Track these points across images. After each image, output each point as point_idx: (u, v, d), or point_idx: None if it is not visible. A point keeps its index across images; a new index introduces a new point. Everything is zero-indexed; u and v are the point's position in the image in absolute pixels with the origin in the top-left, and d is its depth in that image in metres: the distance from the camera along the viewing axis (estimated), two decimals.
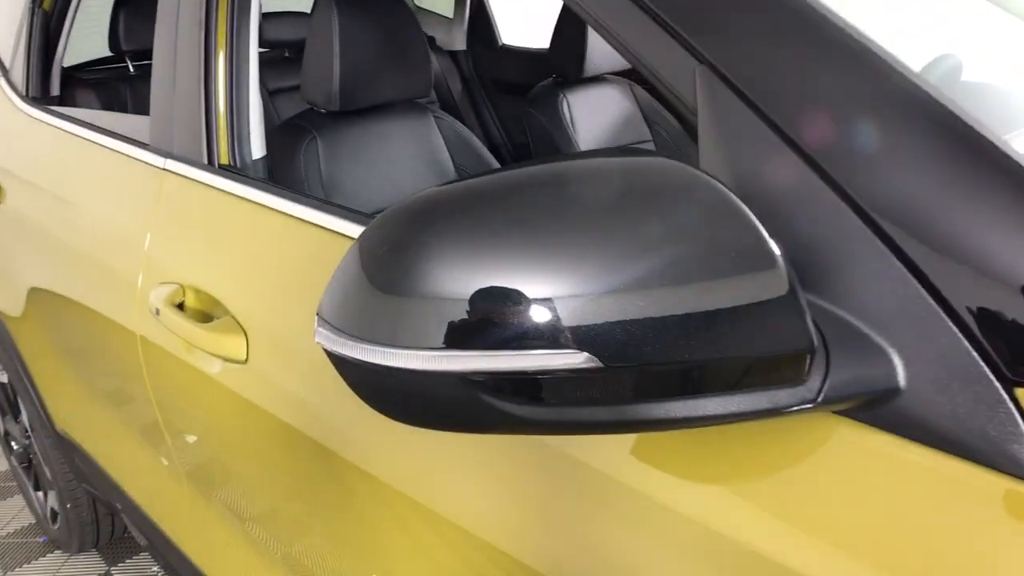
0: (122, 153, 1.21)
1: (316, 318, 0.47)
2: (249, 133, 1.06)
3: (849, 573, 0.45)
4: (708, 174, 0.43)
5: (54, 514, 1.90)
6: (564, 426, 0.45)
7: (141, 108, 1.95)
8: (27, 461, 1.98)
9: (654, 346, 0.40)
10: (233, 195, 0.97)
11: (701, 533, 0.51)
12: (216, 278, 0.97)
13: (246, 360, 0.89)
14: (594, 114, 2.13)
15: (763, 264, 0.41)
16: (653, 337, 0.40)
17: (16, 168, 1.52)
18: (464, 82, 2.68)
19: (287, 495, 0.96)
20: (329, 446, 0.81)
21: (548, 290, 0.40)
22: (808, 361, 0.43)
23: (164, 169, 1.10)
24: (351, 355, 0.45)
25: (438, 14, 2.69)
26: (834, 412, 0.47)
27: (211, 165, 1.04)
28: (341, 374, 0.47)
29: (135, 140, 1.19)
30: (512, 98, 2.61)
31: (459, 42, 2.68)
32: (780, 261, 0.41)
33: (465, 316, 0.41)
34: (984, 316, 0.43)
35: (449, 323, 0.41)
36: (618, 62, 2.10)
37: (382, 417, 0.48)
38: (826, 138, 0.49)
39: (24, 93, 1.63)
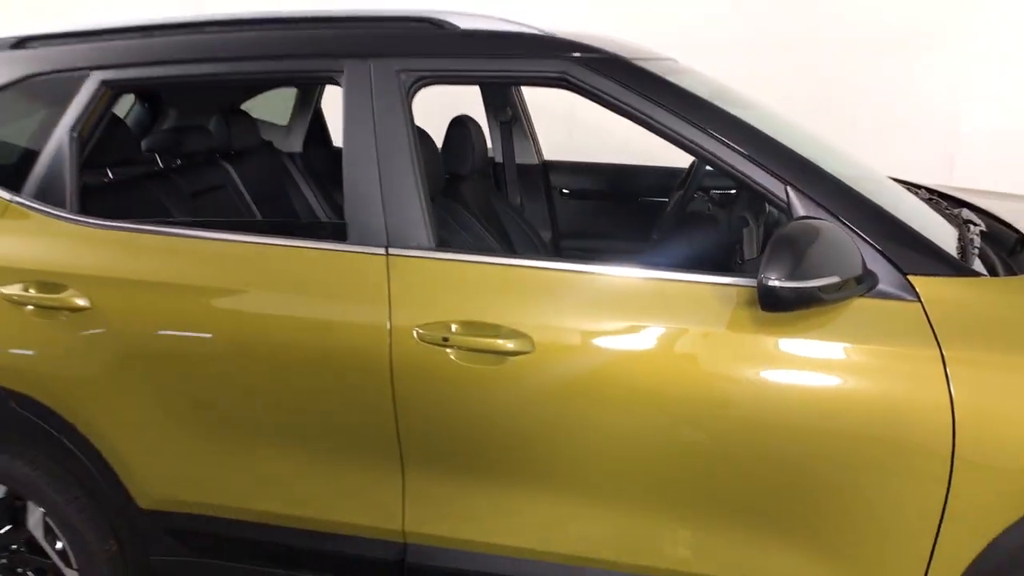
0: (320, 248, 1.63)
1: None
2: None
3: None
4: None
5: None
6: None
7: (178, 203, 2.17)
8: None
9: None
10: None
11: None
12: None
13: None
14: None
15: None
16: None
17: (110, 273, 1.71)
18: (302, 178, 3.14)
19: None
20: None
21: None
22: None
23: (387, 255, 1.59)
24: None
25: (274, 123, 3.12)
26: None
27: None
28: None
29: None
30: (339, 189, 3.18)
31: (296, 145, 3.15)
32: None
33: None
34: None
35: None
36: None
37: None
38: None
39: (73, 209, 1.77)
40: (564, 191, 3.18)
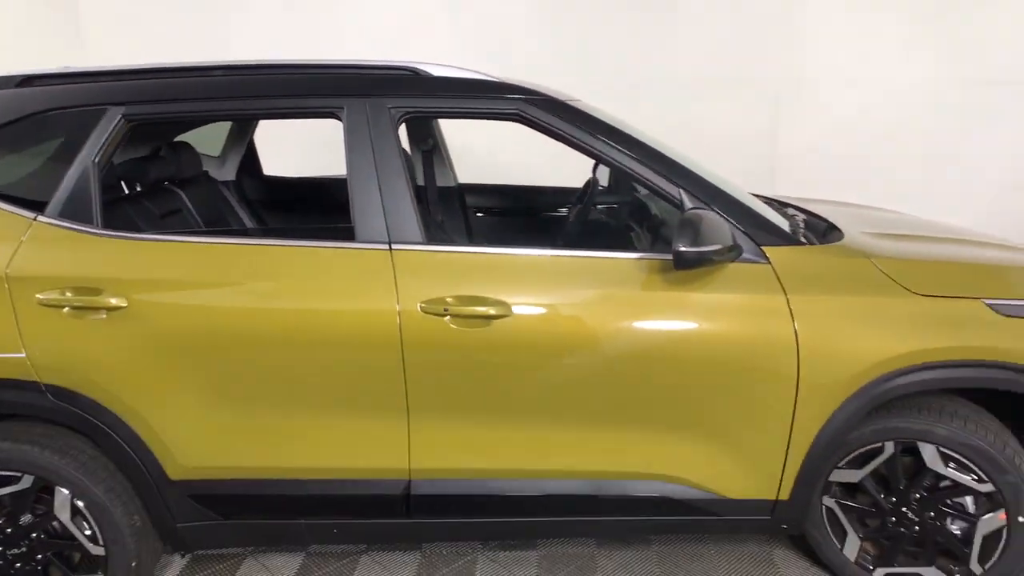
0: (335, 247, 2.05)
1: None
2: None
3: None
4: None
5: None
6: None
7: (150, 223, 2.46)
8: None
9: None
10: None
11: None
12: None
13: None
14: None
15: None
16: None
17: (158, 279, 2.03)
18: (236, 203, 3.45)
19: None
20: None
21: None
22: None
23: (391, 249, 2.04)
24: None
25: (209, 155, 3.41)
26: None
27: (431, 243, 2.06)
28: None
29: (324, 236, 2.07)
30: (269, 214, 3.53)
31: (230, 174, 3.45)
32: None
33: None
34: None
35: None
36: None
37: None
38: None
39: (99, 225, 2.07)
40: (478, 212, 3.72)
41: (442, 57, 4.02)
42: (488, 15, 5.39)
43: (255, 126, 3.46)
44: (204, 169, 3.32)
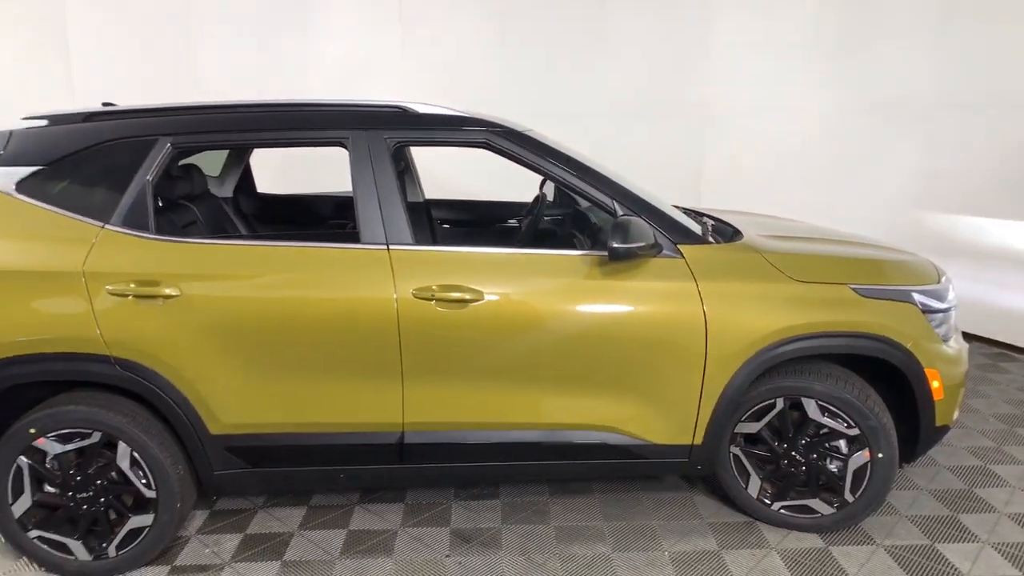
0: (344, 248, 2.60)
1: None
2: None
3: None
4: None
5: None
6: None
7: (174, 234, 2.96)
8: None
9: None
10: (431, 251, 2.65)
11: None
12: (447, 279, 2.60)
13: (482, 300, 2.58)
14: None
15: None
16: None
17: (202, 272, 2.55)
18: (235, 217, 3.96)
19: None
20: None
21: None
22: None
23: (388, 249, 2.60)
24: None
25: (208, 175, 3.92)
26: None
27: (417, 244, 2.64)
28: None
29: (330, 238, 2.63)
30: (261, 225, 4.05)
31: (228, 191, 3.96)
32: None
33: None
34: None
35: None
36: None
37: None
38: None
39: (153, 231, 2.58)
40: (443, 224, 4.31)
41: (400, 90, 4.81)
42: (444, 51, 6.08)
43: (251, 151, 3.99)
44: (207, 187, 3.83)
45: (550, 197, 3.85)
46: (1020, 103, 4.90)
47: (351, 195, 2.70)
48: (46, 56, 5.86)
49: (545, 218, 3.95)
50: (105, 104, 2.94)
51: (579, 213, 3.69)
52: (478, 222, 4.36)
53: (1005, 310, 5.23)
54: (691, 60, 6.01)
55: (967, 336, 5.21)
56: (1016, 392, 4.45)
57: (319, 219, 4.26)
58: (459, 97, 5.29)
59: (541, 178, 3.70)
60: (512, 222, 4.35)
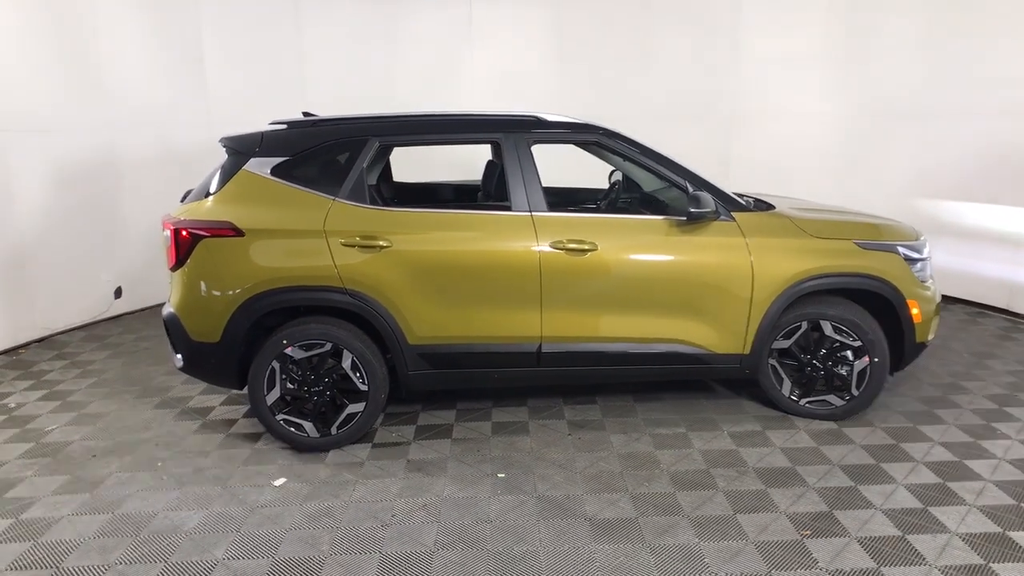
0: (500, 214, 3.74)
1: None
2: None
3: None
4: None
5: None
6: None
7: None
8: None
9: None
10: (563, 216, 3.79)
11: None
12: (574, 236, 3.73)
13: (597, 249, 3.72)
14: None
15: None
16: None
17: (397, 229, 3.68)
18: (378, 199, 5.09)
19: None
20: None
21: None
22: None
23: (531, 215, 3.74)
24: None
25: None
26: None
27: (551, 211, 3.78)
28: None
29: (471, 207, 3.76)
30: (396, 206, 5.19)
31: (373, 180, 5.10)
32: None
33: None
34: None
35: None
36: None
37: None
38: None
39: (367, 202, 3.73)
40: None
41: (472, 96, 6.08)
42: (507, 61, 7.33)
43: (392, 149, 5.14)
44: None
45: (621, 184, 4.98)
46: (995, 111, 6.02)
47: (461, 183, 3.79)
48: (187, 82, 7.05)
49: (620, 200, 5.09)
50: (305, 114, 4.08)
51: (645, 195, 4.83)
52: (566, 204, 5.50)
53: (982, 276, 6.35)
54: (722, 73, 7.22)
55: (950, 298, 6.44)
56: (989, 338, 5.57)
57: (440, 201, 5.39)
58: (523, 101, 6.60)
59: (610, 170, 4.86)
60: (591, 205, 5.47)
